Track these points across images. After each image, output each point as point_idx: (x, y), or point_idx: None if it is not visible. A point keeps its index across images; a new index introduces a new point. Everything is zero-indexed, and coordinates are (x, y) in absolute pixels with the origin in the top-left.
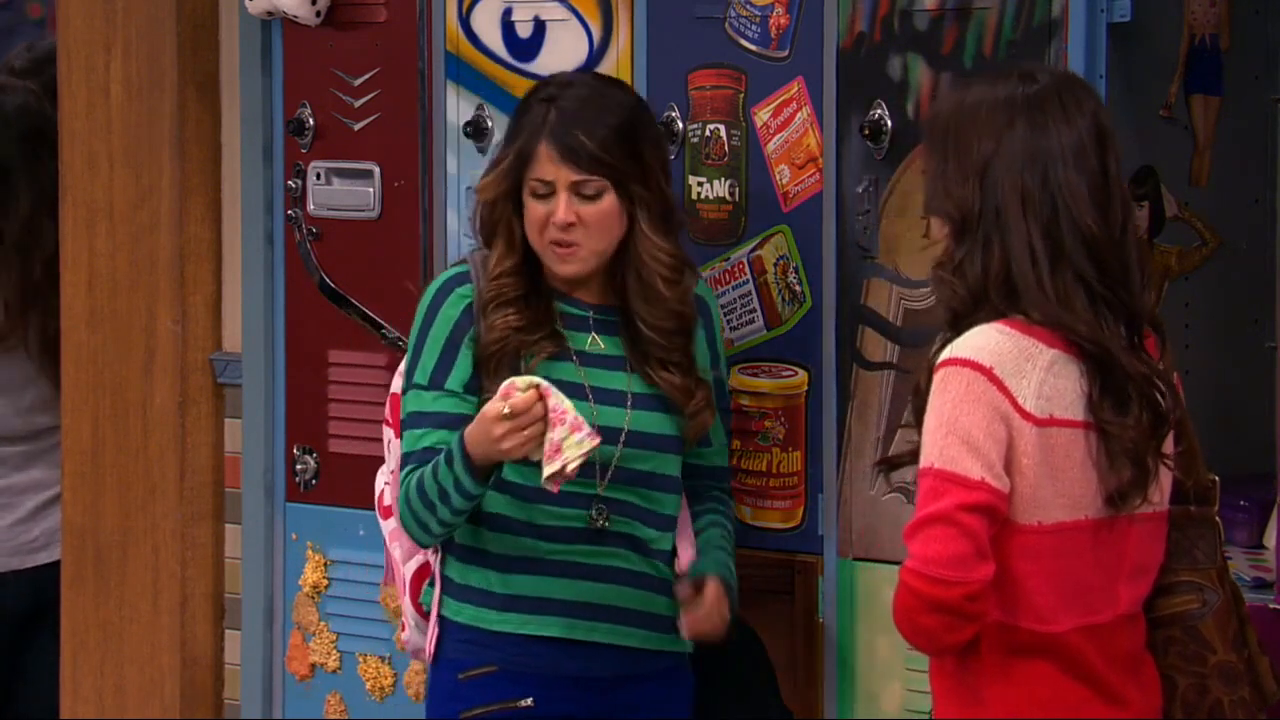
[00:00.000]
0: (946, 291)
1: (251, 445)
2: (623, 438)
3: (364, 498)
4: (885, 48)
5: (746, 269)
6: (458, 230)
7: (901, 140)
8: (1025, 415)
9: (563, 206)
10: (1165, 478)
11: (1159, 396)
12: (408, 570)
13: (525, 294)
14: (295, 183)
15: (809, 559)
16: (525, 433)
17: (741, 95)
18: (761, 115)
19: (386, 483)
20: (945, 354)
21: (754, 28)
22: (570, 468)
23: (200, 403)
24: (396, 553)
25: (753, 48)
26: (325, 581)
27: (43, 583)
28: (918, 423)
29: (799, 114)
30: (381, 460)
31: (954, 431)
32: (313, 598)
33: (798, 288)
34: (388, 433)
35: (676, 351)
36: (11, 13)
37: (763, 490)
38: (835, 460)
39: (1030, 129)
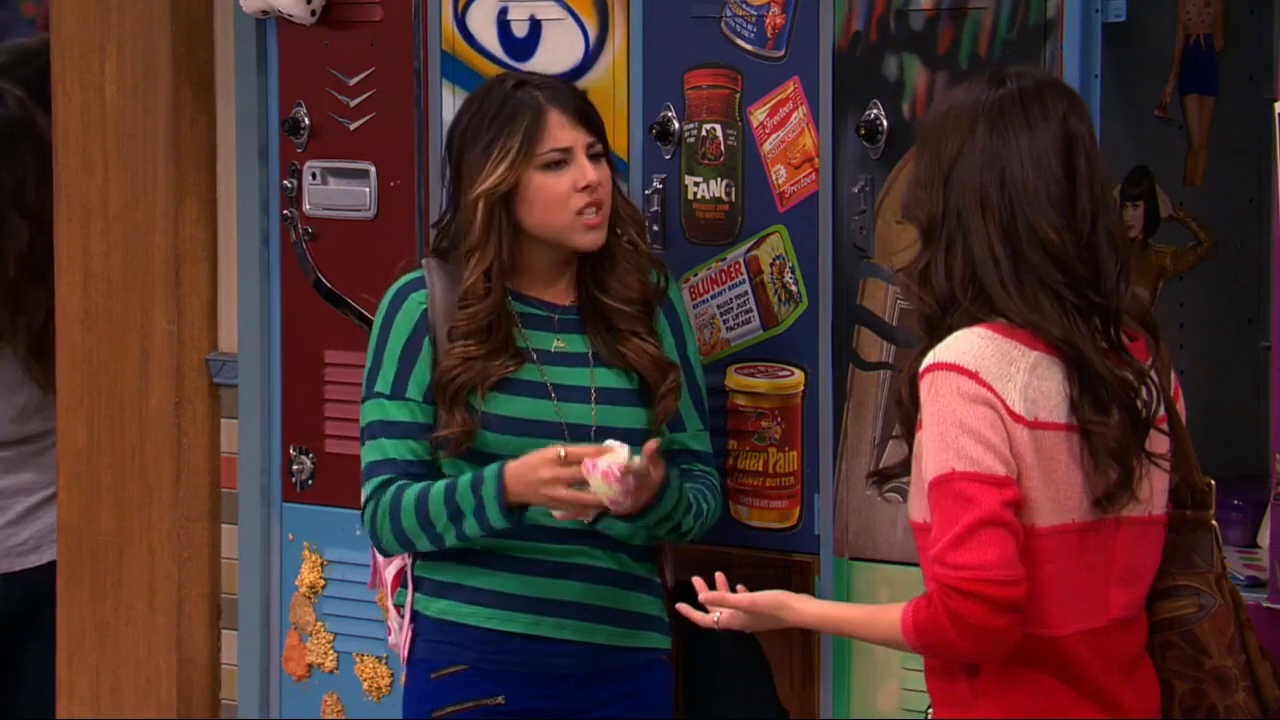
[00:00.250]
0: (913, 298)
1: (247, 446)
2: (592, 434)
3: (360, 498)
4: (881, 47)
5: (743, 269)
6: None
7: (897, 140)
8: (1016, 418)
9: (589, 166)
10: (1159, 480)
11: (1134, 397)
12: (389, 573)
13: (490, 323)
14: (291, 182)
15: (805, 559)
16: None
17: (738, 95)
18: (758, 115)
19: None
20: (928, 360)
21: (750, 27)
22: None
23: (196, 403)
24: (380, 556)
25: (749, 47)
26: (322, 582)
27: (34, 585)
28: (907, 434)
29: (795, 114)
30: None
31: (965, 431)
32: (309, 598)
33: (794, 288)
34: None
35: (640, 323)
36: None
37: (759, 490)
38: (831, 460)
39: (990, 132)
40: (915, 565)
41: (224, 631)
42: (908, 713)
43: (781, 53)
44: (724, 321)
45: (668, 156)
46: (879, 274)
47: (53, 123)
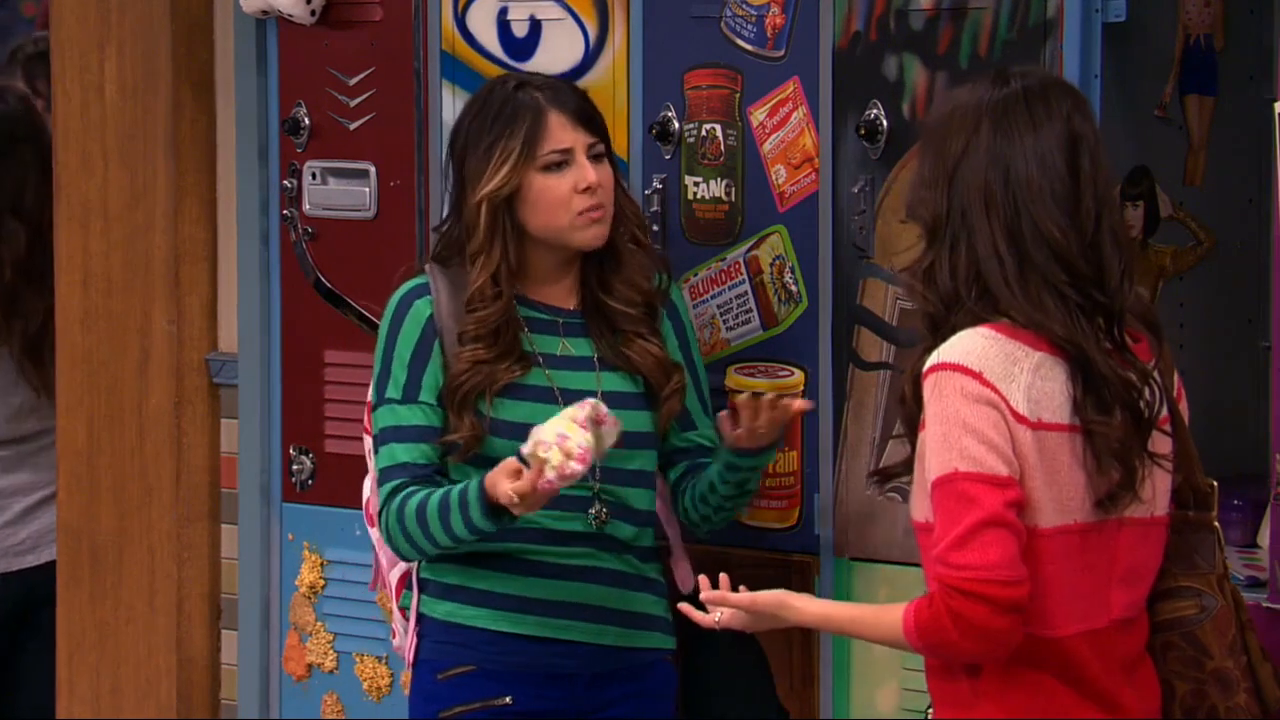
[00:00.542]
0: (917, 297)
1: (247, 446)
2: None
3: (360, 498)
4: (881, 47)
5: (743, 269)
6: None
7: (897, 140)
8: (1019, 418)
9: (590, 168)
10: (1161, 480)
11: (1137, 397)
12: (393, 576)
13: (499, 327)
14: (291, 182)
15: (805, 559)
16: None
17: (738, 95)
18: (758, 115)
19: (373, 489)
20: (932, 360)
21: (750, 27)
22: (542, 457)
23: (196, 403)
24: (384, 558)
25: (749, 47)
26: (322, 582)
27: (32, 585)
28: (910, 433)
29: (795, 114)
30: None
31: (969, 432)
32: (309, 598)
33: (794, 288)
34: (369, 440)
35: (644, 324)
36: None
37: (759, 490)
38: (831, 460)
39: (994, 131)
40: (915, 565)
41: (224, 631)
42: (908, 713)
43: (781, 53)
44: (724, 321)
45: (668, 156)
46: (879, 274)
47: (53, 123)
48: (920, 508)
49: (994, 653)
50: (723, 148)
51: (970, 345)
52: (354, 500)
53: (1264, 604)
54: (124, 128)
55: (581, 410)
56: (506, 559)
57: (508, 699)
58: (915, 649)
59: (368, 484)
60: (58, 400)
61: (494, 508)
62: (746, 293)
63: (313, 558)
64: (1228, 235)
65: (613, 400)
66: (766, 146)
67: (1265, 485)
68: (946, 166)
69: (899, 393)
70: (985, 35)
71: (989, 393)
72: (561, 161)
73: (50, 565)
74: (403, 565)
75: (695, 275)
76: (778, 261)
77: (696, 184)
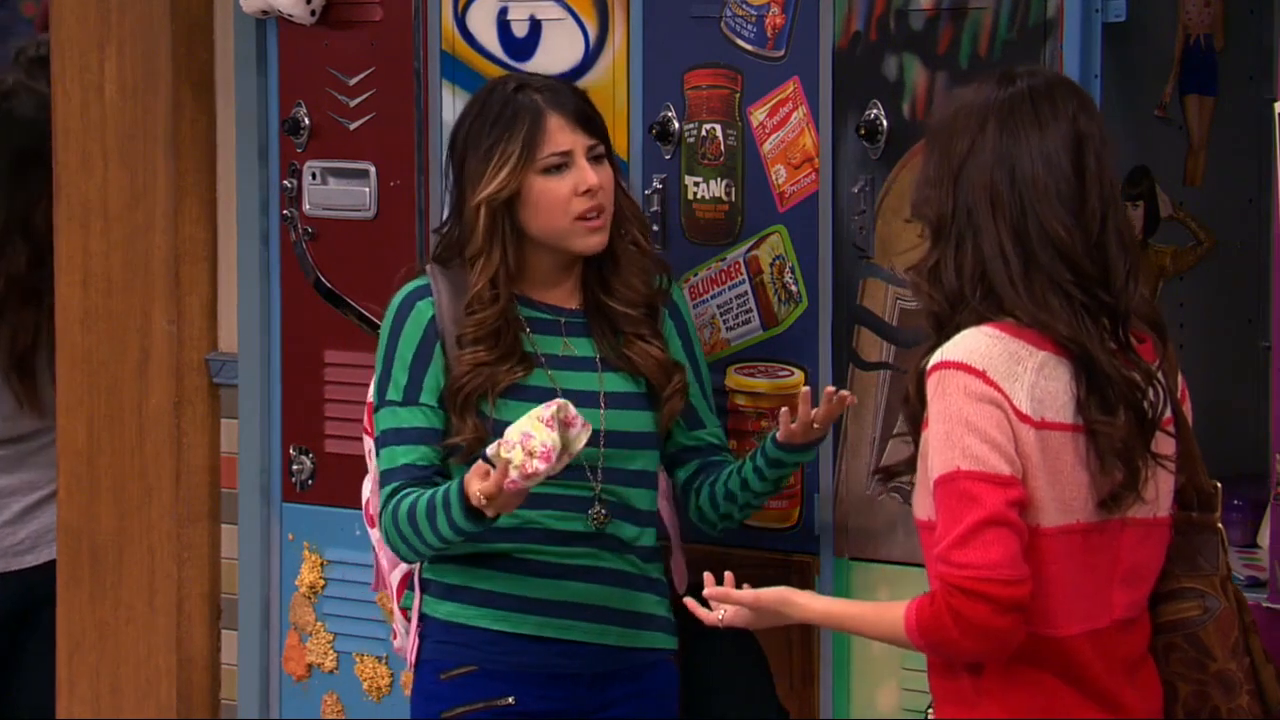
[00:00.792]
0: (922, 296)
1: (247, 446)
2: (601, 438)
3: (360, 498)
4: (881, 47)
5: (743, 269)
6: None
7: (897, 140)
8: (1023, 418)
9: (590, 170)
10: (1165, 481)
11: (1140, 397)
12: (394, 577)
13: (498, 329)
14: (291, 182)
15: (805, 559)
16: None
17: (738, 95)
18: (757, 115)
19: (373, 490)
20: (935, 358)
21: (750, 27)
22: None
23: (196, 403)
24: (384, 560)
25: (749, 47)
26: (322, 582)
27: (31, 585)
28: (913, 431)
29: (795, 114)
30: None
31: (971, 430)
32: (309, 598)
33: (794, 288)
34: (368, 441)
35: (645, 325)
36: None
37: None
38: (831, 460)
39: (1000, 131)
40: (915, 565)
41: (224, 631)
42: (908, 712)
43: (781, 53)
44: (724, 321)
45: (668, 156)
46: (879, 274)
47: (53, 123)
48: (923, 506)
49: (995, 652)
50: (723, 148)
51: (974, 344)
52: (354, 500)
53: (1264, 604)
54: (124, 128)
55: (547, 410)
56: (509, 559)
57: (510, 699)
58: (917, 647)
59: (367, 484)
60: (58, 400)
61: (473, 509)
62: (746, 293)
63: (313, 558)
64: (1228, 235)
65: (615, 401)
66: (766, 146)
67: (1265, 485)
68: (952, 165)
69: (902, 391)
70: (985, 35)
71: (992, 391)
72: (561, 164)
73: (49, 565)
74: (404, 566)
75: (695, 275)
76: (778, 261)
77: (696, 184)
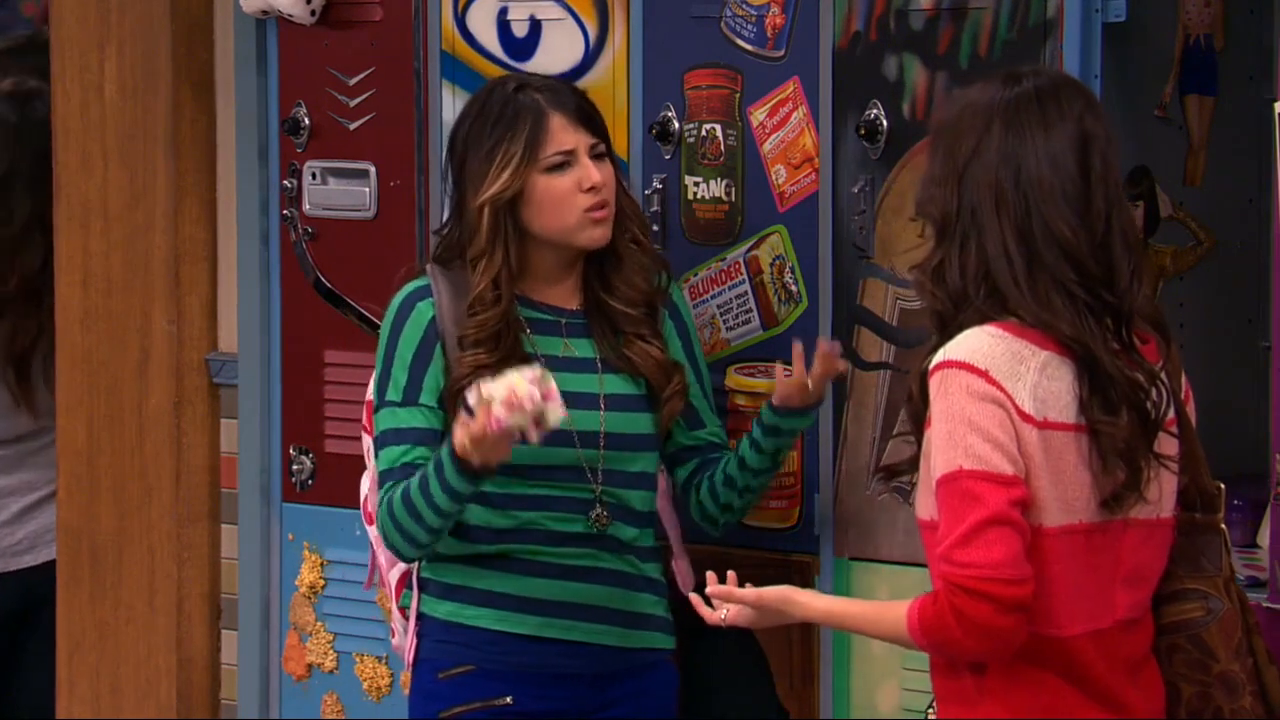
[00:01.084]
0: (926, 295)
1: (247, 446)
2: (602, 440)
3: (360, 498)
4: (881, 47)
5: (743, 269)
6: None
7: (897, 140)
8: (1025, 417)
9: (592, 167)
10: (1168, 482)
11: (1143, 398)
12: (393, 576)
13: (499, 330)
14: (291, 182)
15: (805, 558)
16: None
17: (738, 95)
18: (758, 115)
19: (371, 488)
20: (938, 357)
21: (750, 27)
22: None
23: (196, 403)
24: (383, 558)
25: (749, 47)
26: (322, 582)
27: (30, 585)
28: (915, 430)
29: (795, 114)
30: None
31: (974, 430)
32: (309, 598)
33: (794, 288)
34: (368, 440)
35: (645, 325)
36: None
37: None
38: (831, 460)
39: (1006, 131)
40: (915, 565)
41: (224, 631)
42: (908, 712)
43: (781, 53)
44: (724, 321)
45: (668, 156)
46: (879, 274)
47: (53, 123)
48: (925, 505)
49: (997, 651)
50: (723, 148)
51: (977, 343)
52: (354, 500)
53: (1264, 604)
54: (124, 128)
55: (531, 372)
56: (508, 559)
57: (508, 699)
58: (919, 646)
59: (365, 481)
60: (58, 400)
61: (465, 466)
62: (746, 293)
63: (313, 558)
64: (1228, 235)
65: (615, 402)
66: (766, 146)
67: (1265, 485)
68: (957, 165)
69: (905, 390)
70: (985, 35)
71: (995, 391)
72: (564, 162)
73: (49, 565)
74: (402, 565)
75: (695, 275)
76: (778, 261)
77: (696, 184)
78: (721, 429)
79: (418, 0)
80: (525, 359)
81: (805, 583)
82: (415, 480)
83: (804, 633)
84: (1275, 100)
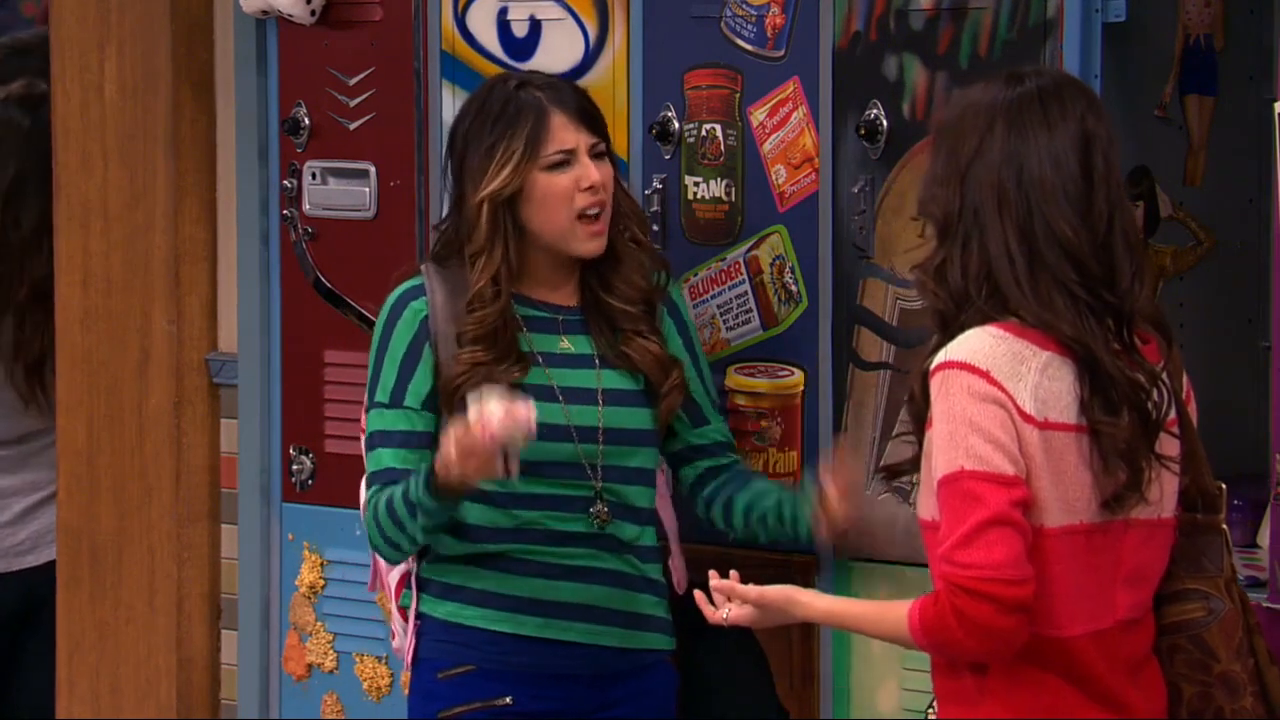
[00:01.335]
0: (928, 294)
1: (247, 446)
2: (600, 435)
3: (359, 498)
4: (881, 47)
5: (743, 269)
6: None
7: (897, 140)
8: (1026, 418)
9: (592, 166)
10: (1169, 482)
11: (1144, 398)
12: (393, 576)
13: (497, 328)
14: (291, 182)
15: (805, 558)
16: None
17: (738, 95)
18: (757, 115)
19: None
20: (940, 358)
21: (750, 27)
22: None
23: (196, 403)
24: (382, 559)
25: (749, 47)
26: (322, 582)
27: (31, 585)
28: (916, 431)
29: (795, 114)
30: None
31: (975, 430)
32: (309, 598)
33: (794, 288)
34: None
35: (644, 322)
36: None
37: None
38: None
39: (1008, 131)
40: (915, 565)
41: (224, 631)
42: (908, 712)
43: (781, 53)
44: (724, 321)
45: (668, 156)
46: (879, 274)
47: (52, 123)
48: (926, 506)
49: (999, 652)
50: (723, 148)
51: (978, 344)
52: (354, 500)
53: (1264, 604)
54: (124, 128)
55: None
56: (508, 559)
57: (508, 699)
58: (920, 646)
59: (364, 484)
60: (58, 400)
61: (443, 485)
62: (746, 293)
63: (313, 558)
64: (1228, 235)
65: (613, 398)
66: (766, 146)
67: (1265, 485)
68: (959, 164)
69: (906, 390)
70: (985, 35)
71: (996, 391)
72: (564, 161)
73: (50, 565)
74: (403, 565)
75: (695, 275)
76: (778, 261)
77: (696, 184)
78: (726, 427)
79: (418, 0)
80: (522, 357)
81: (806, 582)
82: (399, 489)
83: (804, 633)
84: (1275, 100)
